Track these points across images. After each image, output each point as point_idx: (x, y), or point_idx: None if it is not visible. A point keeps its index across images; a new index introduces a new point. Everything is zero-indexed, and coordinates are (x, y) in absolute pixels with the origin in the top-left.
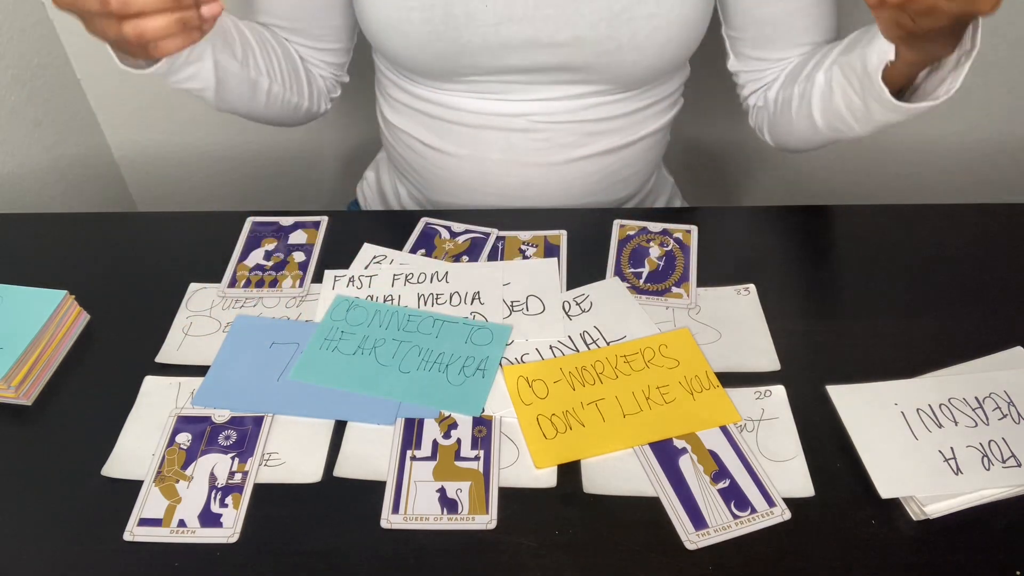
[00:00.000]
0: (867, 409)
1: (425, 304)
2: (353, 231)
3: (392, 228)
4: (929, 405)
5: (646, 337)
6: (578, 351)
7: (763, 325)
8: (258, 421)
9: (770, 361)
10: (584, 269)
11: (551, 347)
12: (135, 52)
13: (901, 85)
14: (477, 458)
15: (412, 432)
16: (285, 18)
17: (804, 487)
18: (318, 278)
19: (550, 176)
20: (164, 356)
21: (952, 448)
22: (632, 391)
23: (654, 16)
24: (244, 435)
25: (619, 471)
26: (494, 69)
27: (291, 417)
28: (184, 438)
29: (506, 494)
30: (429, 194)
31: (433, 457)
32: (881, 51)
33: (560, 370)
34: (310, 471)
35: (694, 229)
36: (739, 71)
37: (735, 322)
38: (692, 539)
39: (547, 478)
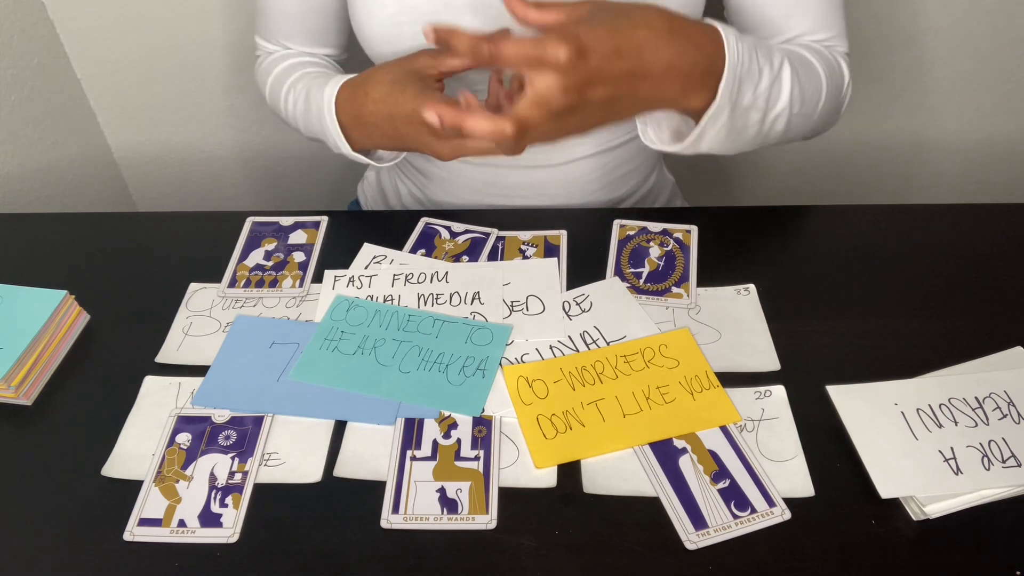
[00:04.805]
0: (867, 409)
1: (425, 304)
2: (353, 231)
3: (392, 228)
4: (929, 405)
5: (646, 337)
6: (578, 351)
7: (763, 325)
8: (258, 421)
9: (770, 361)
10: (584, 269)
11: (551, 347)
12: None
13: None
14: (477, 458)
15: (412, 432)
16: (295, 25)
17: (804, 487)
18: (318, 278)
19: (550, 175)
20: (164, 356)
21: (952, 448)
22: (632, 391)
23: None
24: (244, 435)
25: (619, 471)
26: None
27: (291, 417)
28: (184, 438)
29: (506, 494)
30: (429, 193)
31: (433, 457)
32: None
33: (560, 370)
34: (310, 471)
35: (694, 229)
36: None
37: (735, 322)
38: (692, 539)
39: (547, 478)
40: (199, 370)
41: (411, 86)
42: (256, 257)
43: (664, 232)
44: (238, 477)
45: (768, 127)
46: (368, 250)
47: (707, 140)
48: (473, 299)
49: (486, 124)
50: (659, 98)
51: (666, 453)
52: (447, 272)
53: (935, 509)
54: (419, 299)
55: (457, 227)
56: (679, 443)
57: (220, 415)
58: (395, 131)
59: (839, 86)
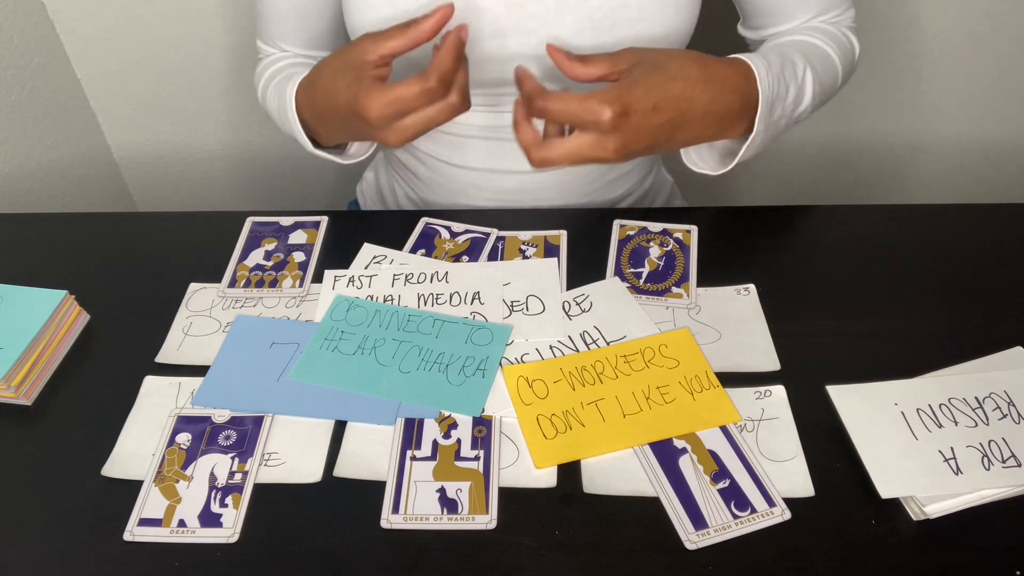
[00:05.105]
0: (867, 409)
1: (425, 304)
2: (353, 231)
3: (392, 228)
4: (929, 405)
5: (646, 337)
6: (578, 351)
7: (763, 325)
8: (258, 421)
9: (770, 361)
10: (584, 269)
11: (551, 347)
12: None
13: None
14: (477, 458)
15: (412, 432)
16: (291, 27)
17: (804, 487)
18: (318, 278)
19: (544, 179)
20: (164, 356)
21: (952, 448)
22: (632, 391)
23: (636, 21)
24: (244, 435)
25: (619, 471)
26: (483, 83)
27: (291, 417)
28: (184, 438)
29: (506, 494)
30: (423, 195)
31: (433, 457)
32: None
33: (560, 370)
34: (310, 471)
35: (694, 229)
36: (748, 39)
37: (735, 322)
38: (692, 539)
39: (547, 478)
40: (199, 370)
41: (344, 77)
42: (256, 257)
43: (664, 232)
44: (238, 477)
45: (792, 123)
46: (368, 250)
47: (744, 158)
48: (473, 299)
49: (529, 136)
50: (697, 139)
51: (666, 453)
52: (447, 272)
53: (935, 509)
54: (419, 299)
55: (457, 227)
56: (679, 443)
57: (220, 415)
58: (342, 122)
59: (851, 61)
